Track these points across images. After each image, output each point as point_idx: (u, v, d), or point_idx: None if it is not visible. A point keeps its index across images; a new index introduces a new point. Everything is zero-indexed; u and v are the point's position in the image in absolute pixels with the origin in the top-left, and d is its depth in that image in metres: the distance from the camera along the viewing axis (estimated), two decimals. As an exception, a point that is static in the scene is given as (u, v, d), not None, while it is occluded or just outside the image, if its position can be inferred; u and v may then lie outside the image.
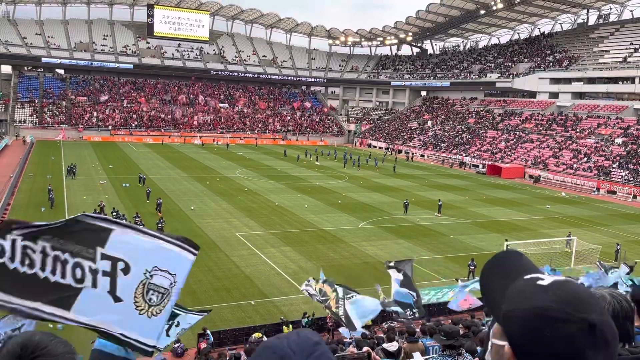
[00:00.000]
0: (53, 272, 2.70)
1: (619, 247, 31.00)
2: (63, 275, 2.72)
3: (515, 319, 1.30)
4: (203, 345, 17.11)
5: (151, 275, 3.12)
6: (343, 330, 15.33)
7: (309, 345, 1.31)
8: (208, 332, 17.67)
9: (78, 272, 2.77)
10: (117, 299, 2.90)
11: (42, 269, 2.66)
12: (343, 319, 12.51)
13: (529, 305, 1.29)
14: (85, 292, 2.77)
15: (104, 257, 2.88)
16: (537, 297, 1.30)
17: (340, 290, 12.67)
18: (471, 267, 25.74)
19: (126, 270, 2.91)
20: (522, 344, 1.29)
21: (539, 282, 1.35)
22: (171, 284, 3.15)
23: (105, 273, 2.85)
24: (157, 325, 3.22)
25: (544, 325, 1.24)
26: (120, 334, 2.99)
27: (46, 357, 1.34)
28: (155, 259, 3.12)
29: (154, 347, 3.17)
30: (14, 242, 2.63)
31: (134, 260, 2.95)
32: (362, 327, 14.60)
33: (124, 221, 2.91)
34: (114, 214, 32.76)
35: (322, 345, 1.34)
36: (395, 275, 12.50)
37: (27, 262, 2.65)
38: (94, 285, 2.82)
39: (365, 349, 7.08)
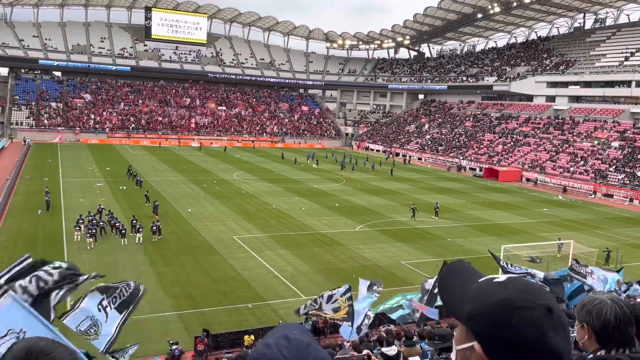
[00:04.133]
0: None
1: (609, 251, 30.62)
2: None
3: (482, 316, 1.36)
4: (201, 347, 17.08)
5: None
6: (342, 330, 15.33)
7: (301, 350, 1.28)
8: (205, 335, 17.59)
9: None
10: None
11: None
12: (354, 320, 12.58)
13: (493, 299, 1.36)
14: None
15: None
16: (499, 291, 1.38)
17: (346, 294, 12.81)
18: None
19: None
20: (491, 338, 1.34)
21: (496, 280, 1.44)
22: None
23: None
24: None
25: (509, 314, 1.32)
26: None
27: (52, 357, 1.33)
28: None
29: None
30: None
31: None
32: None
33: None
34: (108, 215, 32.72)
35: (313, 346, 1.31)
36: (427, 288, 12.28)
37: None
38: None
39: (365, 351, 7.08)
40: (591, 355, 2.09)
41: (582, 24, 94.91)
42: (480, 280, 1.47)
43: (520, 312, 1.32)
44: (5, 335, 3.62)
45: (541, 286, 1.44)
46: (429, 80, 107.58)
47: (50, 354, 1.34)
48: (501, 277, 1.44)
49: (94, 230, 29.22)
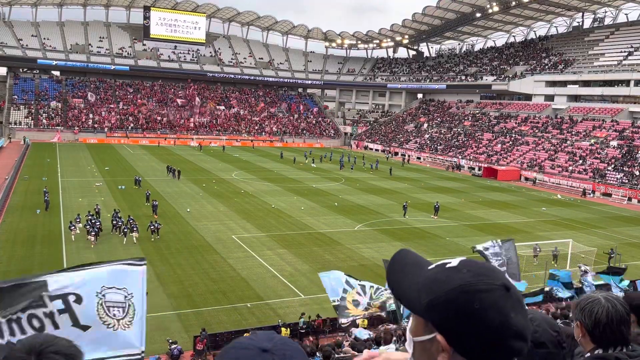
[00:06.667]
0: (12, 334, 2.92)
1: (612, 253, 30.27)
2: (23, 332, 2.95)
3: (440, 305, 1.30)
4: (200, 346, 17.10)
5: (103, 295, 3.31)
6: (357, 331, 15.39)
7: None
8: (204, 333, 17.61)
9: (35, 322, 3.02)
10: (84, 328, 3.21)
11: (1, 336, 2.89)
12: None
13: (450, 287, 1.30)
14: None
15: (53, 298, 3.15)
16: (454, 277, 1.32)
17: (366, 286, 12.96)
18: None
19: (79, 300, 3.26)
20: (454, 325, 1.29)
21: (448, 265, 1.38)
22: (126, 296, 3.43)
23: (61, 311, 3.14)
24: (135, 334, 3.49)
25: (470, 299, 1.27)
26: (109, 357, 3.24)
27: (55, 346, 1.45)
28: (100, 281, 3.44)
29: (142, 352, 3.46)
30: None
31: (82, 289, 3.30)
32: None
33: (52, 271, 3.32)
34: (113, 214, 32.63)
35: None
36: None
37: None
38: (56, 326, 3.09)
39: (365, 351, 7.10)
40: (588, 354, 2.09)
41: (580, 23, 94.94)
42: (430, 267, 1.42)
43: (480, 296, 1.27)
44: (120, 289, 3.57)
45: (492, 266, 1.37)
46: (428, 80, 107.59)
47: (53, 341, 1.46)
48: (453, 262, 1.38)
49: (95, 231, 29.26)
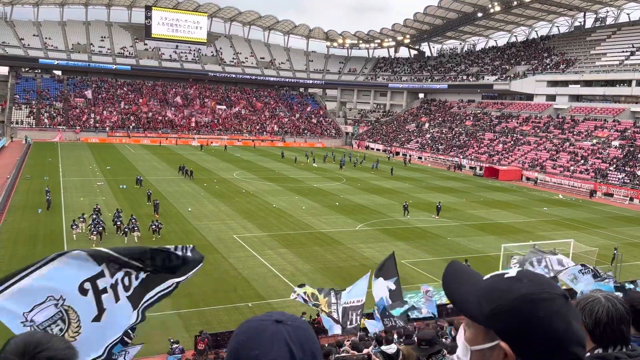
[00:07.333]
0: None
1: (616, 252, 30.47)
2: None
3: (505, 313, 1.33)
4: (202, 346, 17.13)
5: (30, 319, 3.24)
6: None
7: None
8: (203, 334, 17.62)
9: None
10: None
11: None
12: (337, 318, 12.79)
13: (514, 296, 1.34)
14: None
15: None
16: (516, 286, 1.36)
17: (332, 295, 13.02)
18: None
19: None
20: (519, 333, 1.32)
21: (507, 275, 1.42)
22: (56, 304, 3.21)
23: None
24: (88, 342, 3.34)
25: (535, 308, 1.31)
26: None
27: (49, 351, 1.40)
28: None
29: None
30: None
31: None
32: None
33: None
34: (115, 214, 32.66)
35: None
36: (382, 285, 12.82)
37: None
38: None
39: (365, 351, 7.10)
40: (588, 354, 2.09)
41: (582, 23, 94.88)
42: (486, 277, 1.46)
43: (544, 305, 1.31)
44: (44, 302, 3.12)
45: (549, 277, 1.42)
46: (429, 79, 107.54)
47: (48, 343, 1.41)
48: (510, 272, 1.42)
49: (99, 229, 29.36)
